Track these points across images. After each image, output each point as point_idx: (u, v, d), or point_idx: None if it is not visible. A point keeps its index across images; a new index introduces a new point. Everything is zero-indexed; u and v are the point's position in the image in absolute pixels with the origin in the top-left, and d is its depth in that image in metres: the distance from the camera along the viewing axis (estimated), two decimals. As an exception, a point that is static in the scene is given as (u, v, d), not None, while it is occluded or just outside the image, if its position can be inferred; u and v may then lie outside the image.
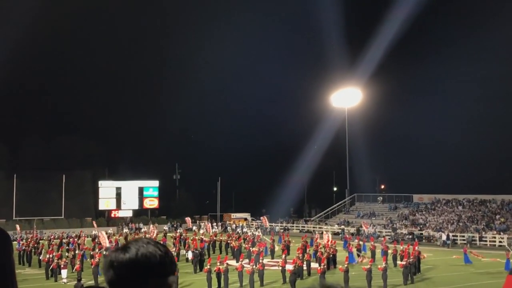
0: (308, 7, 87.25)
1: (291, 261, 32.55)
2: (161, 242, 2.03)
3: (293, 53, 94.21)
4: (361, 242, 46.26)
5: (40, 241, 50.47)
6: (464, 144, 78.45)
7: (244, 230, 66.61)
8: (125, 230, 67.72)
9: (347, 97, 79.90)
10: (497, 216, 60.01)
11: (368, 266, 30.68)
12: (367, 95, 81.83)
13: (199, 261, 36.87)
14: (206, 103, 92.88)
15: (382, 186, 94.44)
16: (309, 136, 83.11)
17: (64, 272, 33.33)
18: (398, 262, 36.02)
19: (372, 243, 43.74)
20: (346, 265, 31.21)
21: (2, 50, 69.50)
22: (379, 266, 31.87)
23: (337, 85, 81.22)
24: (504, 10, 77.79)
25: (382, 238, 52.23)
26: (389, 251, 39.36)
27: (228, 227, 73.15)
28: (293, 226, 74.46)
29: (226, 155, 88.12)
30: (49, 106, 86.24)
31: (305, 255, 36.19)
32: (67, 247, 46.50)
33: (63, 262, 34.08)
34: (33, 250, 43.50)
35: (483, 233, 56.17)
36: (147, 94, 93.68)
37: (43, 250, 42.28)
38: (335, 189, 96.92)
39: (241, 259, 36.96)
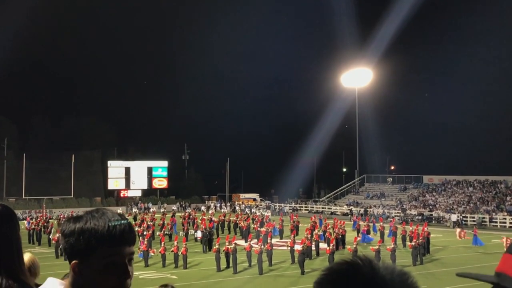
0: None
1: (300, 241, 32.35)
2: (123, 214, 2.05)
3: (304, 34, 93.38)
4: (370, 223, 46.10)
5: (50, 220, 50.50)
6: (475, 124, 77.80)
7: (253, 210, 66.48)
8: (134, 209, 67.82)
9: (357, 77, 79.23)
10: (508, 198, 59.52)
11: (377, 247, 30.63)
12: (378, 75, 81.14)
13: (208, 241, 36.78)
14: (216, 84, 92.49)
15: (392, 167, 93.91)
16: (319, 117, 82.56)
17: None
18: (407, 243, 35.71)
19: (381, 223, 43.68)
20: (355, 246, 31.03)
21: (14, 29, 69.44)
22: (387, 247, 31.88)
23: (348, 65, 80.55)
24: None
25: (391, 219, 52.02)
26: (398, 232, 39.12)
27: (237, 208, 73.13)
28: (302, 207, 74.28)
29: (235, 135, 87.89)
30: (59, 86, 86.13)
31: (314, 236, 35.99)
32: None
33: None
34: (42, 229, 43.54)
35: (494, 214, 55.77)
36: (157, 74, 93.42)
37: (52, 229, 42.28)
38: (344, 169, 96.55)
39: (249, 239, 36.78)
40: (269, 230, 39.25)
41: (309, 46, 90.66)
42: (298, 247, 30.68)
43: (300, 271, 28.21)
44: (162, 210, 63.06)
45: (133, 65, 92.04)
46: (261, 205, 76.69)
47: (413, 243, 32.37)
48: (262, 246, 30.70)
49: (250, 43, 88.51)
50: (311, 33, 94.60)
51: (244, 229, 42.33)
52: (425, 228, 37.40)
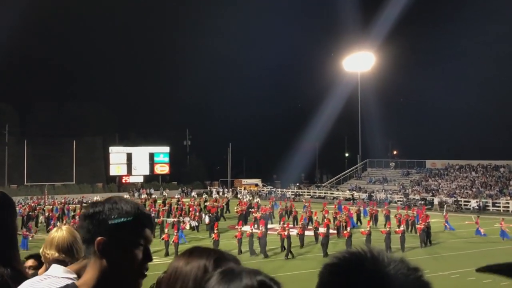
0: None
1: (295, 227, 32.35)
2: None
3: (306, 17, 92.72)
4: (361, 208, 46.14)
5: (37, 206, 50.20)
6: (478, 109, 77.37)
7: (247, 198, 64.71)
8: (136, 195, 67.78)
9: (360, 61, 78.74)
10: (511, 182, 59.27)
11: (367, 230, 31.34)
12: (380, 59, 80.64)
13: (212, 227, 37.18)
14: (217, 69, 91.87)
15: (395, 152, 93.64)
16: (321, 101, 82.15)
17: None
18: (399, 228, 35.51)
19: (371, 207, 44.62)
20: (368, 229, 31.80)
21: (16, 15, 68.99)
22: (382, 230, 32.41)
23: (350, 49, 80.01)
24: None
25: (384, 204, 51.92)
26: (391, 216, 39.04)
27: (239, 193, 72.99)
28: (304, 192, 74.14)
29: (237, 120, 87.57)
30: (60, 71, 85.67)
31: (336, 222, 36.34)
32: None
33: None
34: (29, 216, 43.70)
35: (496, 198, 55.56)
36: (158, 60, 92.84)
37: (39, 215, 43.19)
38: (347, 154, 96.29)
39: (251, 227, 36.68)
40: (264, 215, 39.39)
41: (311, 30, 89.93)
42: (322, 230, 31.26)
43: (323, 253, 28.40)
44: (164, 194, 62.92)
45: (134, 51, 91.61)
46: (263, 190, 76.56)
47: (422, 226, 32.66)
48: (263, 229, 30.83)
49: (251, 28, 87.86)
50: (313, 17, 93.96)
51: (239, 215, 42.64)
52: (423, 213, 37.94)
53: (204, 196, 58.60)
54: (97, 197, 57.87)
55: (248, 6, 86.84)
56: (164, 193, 67.73)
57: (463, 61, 78.61)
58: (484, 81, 78.03)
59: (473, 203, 54.36)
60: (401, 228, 32.33)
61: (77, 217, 37.84)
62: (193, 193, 68.98)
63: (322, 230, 31.78)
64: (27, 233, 32.96)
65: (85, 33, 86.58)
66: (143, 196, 67.69)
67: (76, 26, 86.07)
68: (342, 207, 44.28)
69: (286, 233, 29.91)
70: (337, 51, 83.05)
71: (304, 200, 53.31)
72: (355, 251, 1.22)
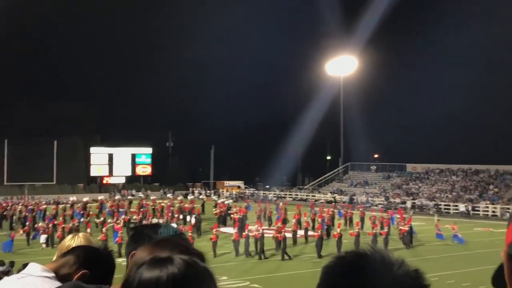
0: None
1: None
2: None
3: (288, 21, 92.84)
4: (335, 210, 46.48)
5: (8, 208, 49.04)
6: (459, 113, 78.02)
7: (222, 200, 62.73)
8: (117, 196, 67.36)
9: (342, 65, 79.13)
10: (491, 186, 59.90)
11: (356, 231, 31.83)
12: (363, 63, 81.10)
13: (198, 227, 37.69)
14: (200, 71, 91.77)
15: (376, 155, 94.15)
16: (304, 105, 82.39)
17: (42, 237, 33.66)
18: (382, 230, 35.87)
19: (346, 209, 45.58)
20: (357, 230, 32.19)
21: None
22: (351, 231, 33.15)
23: (333, 53, 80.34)
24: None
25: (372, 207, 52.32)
26: (365, 218, 39.52)
27: (221, 195, 72.90)
28: (286, 195, 74.25)
29: (220, 122, 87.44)
30: (41, 70, 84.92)
31: (304, 223, 36.46)
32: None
33: (41, 228, 34.61)
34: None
35: (476, 203, 56.10)
36: (140, 61, 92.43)
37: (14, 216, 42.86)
38: (328, 157, 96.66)
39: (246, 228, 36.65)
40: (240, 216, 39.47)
41: (294, 33, 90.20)
42: (311, 232, 32.44)
43: (317, 255, 28.96)
44: (152, 197, 62.43)
45: (117, 51, 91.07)
46: (245, 192, 76.58)
47: (406, 228, 33.02)
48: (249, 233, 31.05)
49: (234, 30, 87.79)
50: (296, 21, 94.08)
51: (218, 216, 43.12)
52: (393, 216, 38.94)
53: (179, 198, 58.56)
54: (73, 198, 57.54)
55: (230, 9, 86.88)
56: (140, 195, 67.16)
57: (445, 66, 79.35)
58: (465, 86, 78.72)
59: (462, 207, 54.79)
60: (385, 230, 32.66)
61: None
62: (169, 195, 69.01)
63: (311, 232, 32.12)
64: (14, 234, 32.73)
65: (67, 33, 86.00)
66: (130, 197, 67.21)
67: (57, 25, 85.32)
68: (318, 209, 44.54)
69: (281, 235, 30.07)
70: (320, 55, 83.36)
71: (278, 203, 53.14)
72: (362, 251, 1.21)
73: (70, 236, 2.96)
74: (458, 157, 69.01)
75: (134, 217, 40.69)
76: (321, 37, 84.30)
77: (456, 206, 56.00)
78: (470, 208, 54.45)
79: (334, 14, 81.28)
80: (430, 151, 76.30)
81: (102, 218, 39.38)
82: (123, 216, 40.04)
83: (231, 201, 57.95)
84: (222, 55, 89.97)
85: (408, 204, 57.17)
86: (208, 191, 77.33)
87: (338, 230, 31.75)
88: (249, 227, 32.60)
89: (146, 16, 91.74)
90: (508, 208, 52.75)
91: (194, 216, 40.84)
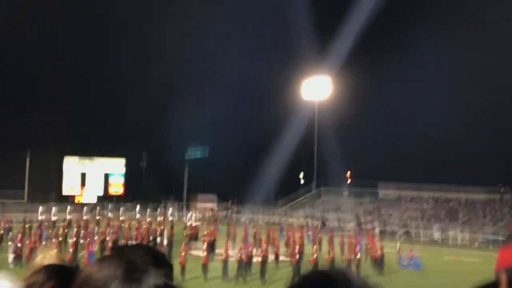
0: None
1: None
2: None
3: (262, 44, 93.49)
4: (309, 233, 46.90)
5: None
6: (432, 136, 79.02)
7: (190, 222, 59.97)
8: (86, 216, 66.09)
9: (317, 89, 79.96)
10: (460, 215, 60.81)
11: (331, 256, 32.89)
12: (337, 86, 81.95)
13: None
14: (174, 90, 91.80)
15: (349, 181, 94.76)
16: (278, 128, 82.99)
17: (11, 256, 33.62)
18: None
19: (315, 234, 46.15)
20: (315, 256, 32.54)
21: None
22: (326, 256, 33.33)
23: (308, 75, 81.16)
24: None
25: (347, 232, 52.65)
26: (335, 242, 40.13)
27: (194, 216, 72.68)
28: (259, 218, 74.31)
29: (195, 143, 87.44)
30: (12, 82, 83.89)
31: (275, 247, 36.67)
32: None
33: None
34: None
35: (446, 230, 56.87)
36: (114, 78, 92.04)
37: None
38: (302, 181, 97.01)
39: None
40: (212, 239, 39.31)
41: (268, 56, 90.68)
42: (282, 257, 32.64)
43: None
44: (121, 218, 61.84)
45: (92, 68, 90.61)
46: (218, 214, 76.47)
47: (379, 253, 33.62)
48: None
49: (210, 51, 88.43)
50: (270, 44, 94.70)
51: (188, 239, 42.90)
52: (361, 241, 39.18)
53: (148, 219, 58.40)
54: (42, 216, 56.75)
55: (204, 31, 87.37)
56: (110, 215, 66.73)
57: (419, 88, 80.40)
58: (440, 109, 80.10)
59: (436, 235, 55.42)
60: (358, 257, 33.08)
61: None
62: (137, 215, 68.95)
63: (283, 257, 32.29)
64: None
65: (41, 45, 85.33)
66: (98, 217, 66.69)
67: (31, 36, 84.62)
68: (284, 232, 44.83)
69: (259, 260, 30.38)
70: (295, 78, 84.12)
71: (247, 226, 52.94)
72: (324, 270, 1.27)
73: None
74: (430, 178, 69.53)
75: (108, 238, 40.44)
76: (295, 60, 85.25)
77: (427, 233, 56.77)
78: (440, 235, 55.19)
79: (308, 37, 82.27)
80: (401, 174, 76.98)
81: (74, 239, 39.04)
82: (96, 237, 39.80)
83: (199, 223, 57.99)
84: (197, 76, 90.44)
85: (376, 230, 57.73)
86: (181, 212, 77.08)
87: (315, 255, 32.14)
88: (217, 251, 32.76)
89: (122, 32, 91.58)
90: (477, 237, 53.66)
91: (166, 237, 40.80)
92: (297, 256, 31.63)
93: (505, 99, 75.28)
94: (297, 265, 30.40)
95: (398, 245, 40.23)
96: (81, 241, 38.33)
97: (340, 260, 33.82)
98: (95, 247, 34.43)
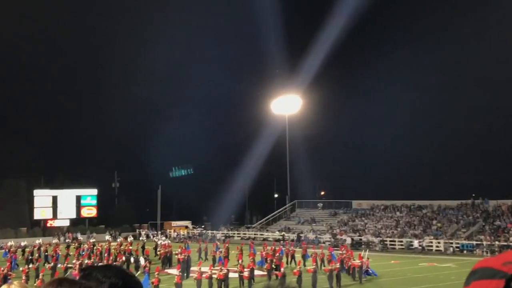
0: (247, 12, 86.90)
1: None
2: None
3: (233, 60, 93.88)
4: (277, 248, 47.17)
5: None
6: (402, 150, 79.99)
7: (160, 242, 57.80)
8: (55, 240, 64.93)
9: (287, 104, 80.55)
10: (434, 221, 61.40)
11: (313, 268, 32.77)
12: (307, 102, 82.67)
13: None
14: (144, 110, 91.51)
15: (322, 193, 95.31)
16: (249, 143, 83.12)
17: None
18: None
19: (288, 247, 46.21)
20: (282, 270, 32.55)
21: None
22: (308, 268, 33.70)
23: (278, 91, 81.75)
24: (443, 19, 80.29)
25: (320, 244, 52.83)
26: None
27: (168, 236, 72.23)
28: (234, 233, 74.09)
29: (167, 162, 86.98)
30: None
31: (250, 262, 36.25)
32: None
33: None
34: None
35: (420, 238, 57.34)
36: (85, 102, 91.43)
37: None
38: (276, 195, 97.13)
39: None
40: (185, 256, 38.88)
41: (239, 72, 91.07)
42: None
43: None
44: (92, 240, 60.94)
45: (60, 91, 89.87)
46: (193, 232, 76.10)
47: (329, 267, 33.19)
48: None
49: (179, 68, 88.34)
50: (241, 60, 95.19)
51: (162, 256, 43.10)
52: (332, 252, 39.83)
53: (119, 240, 57.71)
54: (11, 242, 55.68)
55: (175, 47, 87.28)
56: (92, 238, 65.87)
57: (385, 104, 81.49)
58: (408, 123, 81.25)
59: (416, 244, 55.72)
60: (337, 266, 33.04)
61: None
62: (107, 237, 68.33)
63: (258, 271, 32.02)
64: None
65: (12, 68, 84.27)
66: (68, 240, 65.99)
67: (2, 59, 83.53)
68: (269, 248, 44.65)
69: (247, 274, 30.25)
70: (265, 94, 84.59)
71: (217, 243, 52.33)
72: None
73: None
74: (401, 193, 70.60)
75: (86, 261, 39.89)
76: (266, 76, 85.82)
77: (401, 241, 57.21)
78: (417, 243, 55.59)
79: (278, 54, 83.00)
80: (374, 188, 77.70)
81: (49, 264, 38.42)
82: (78, 261, 39.02)
83: (168, 241, 57.69)
84: (167, 94, 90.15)
85: (348, 240, 58.03)
86: (155, 232, 76.50)
87: (298, 267, 32.10)
88: (192, 268, 32.47)
89: (92, 54, 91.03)
90: (451, 243, 54.24)
91: (143, 257, 40.54)
92: (273, 270, 31.59)
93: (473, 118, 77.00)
94: (282, 278, 30.24)
95: (364, 253, 40.39)
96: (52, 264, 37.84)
97: (322, 272, 33.87)
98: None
